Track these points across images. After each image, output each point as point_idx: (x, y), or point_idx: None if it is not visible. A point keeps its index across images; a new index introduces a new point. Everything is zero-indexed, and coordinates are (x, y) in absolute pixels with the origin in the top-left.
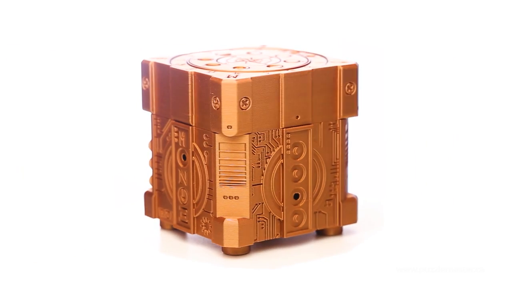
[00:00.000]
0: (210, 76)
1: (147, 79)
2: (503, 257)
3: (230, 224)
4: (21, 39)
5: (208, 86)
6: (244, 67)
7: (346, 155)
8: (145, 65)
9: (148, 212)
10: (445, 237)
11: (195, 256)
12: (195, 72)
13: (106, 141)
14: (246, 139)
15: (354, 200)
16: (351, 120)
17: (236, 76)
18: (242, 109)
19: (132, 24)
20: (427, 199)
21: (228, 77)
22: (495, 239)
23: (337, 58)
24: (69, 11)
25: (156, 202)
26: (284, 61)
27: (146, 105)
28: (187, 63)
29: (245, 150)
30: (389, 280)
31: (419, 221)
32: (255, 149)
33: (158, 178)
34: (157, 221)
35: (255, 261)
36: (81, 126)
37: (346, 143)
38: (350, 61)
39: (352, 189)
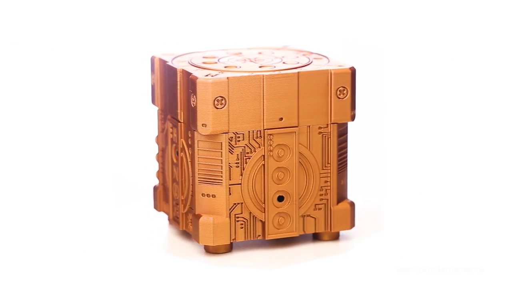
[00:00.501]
0: (191, 74)
1: (153, 75)
2: (503, 257)
3: (205, 222)
4: (29, 37)
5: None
6: (236, 66)
7: (342, 160)
8: (152, 61)
9: (155, 206)
10: (445, 237)
11: (183, 251)
12: (183, 69)
13: (117, 136)
14: (223, 138)
15: (348, 206)
16: (351, 123)
17: (215, 75)
18: (217, 108)
19: (164, 21)
20: (427, 200)
21: (206, 75)
22: (495, 239)
23: (338, 61)
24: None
25: (160, 196)
26: (283, 62)
27: (153, 100)
28: (189, 61)
29: (221, 149)
30: (389, 280)
31: (419, 221)
32: (233, 149)
33: (162, 172)
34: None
35: (255, 260)
36: (93, 121)
37: (342, 147)
38: (346, 64)
39: (352, 189)
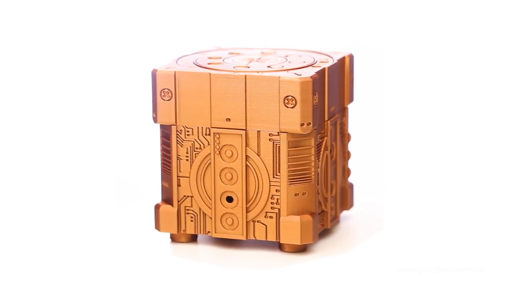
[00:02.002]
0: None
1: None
2: (503, 257)
3: (160, 210)
4: (28, 44)
5: None
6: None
7: (299, 172)
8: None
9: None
10: (445, 237)
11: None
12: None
13: (116, 139)
14: (172, 130)
15: (299, 220)
16: (353, 118)
17: (168, 68)
18: (163, 100)
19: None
20: (427, 200)
21: (166, 68)
22: (495, 239)
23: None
24: (77, 16)
25: None
26: (268, 66)
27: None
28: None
29: (169, 140)
30: (389, 280)
31: (419, 221)
32: (183, 142)
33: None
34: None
35: (254, 260)
36: (106, 129)
37: (299, 158)
38: (306, 74)
39: (354, 188)
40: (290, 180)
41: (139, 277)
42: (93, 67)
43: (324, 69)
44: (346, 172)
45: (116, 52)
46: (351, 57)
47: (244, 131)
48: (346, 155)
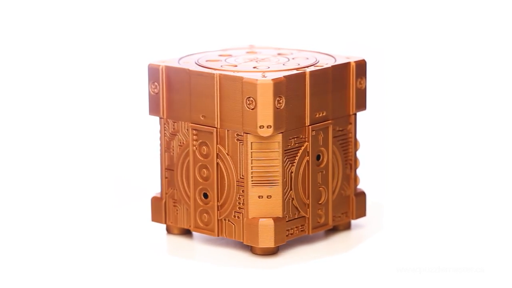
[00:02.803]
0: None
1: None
2: (503, 257)
3: (152, 201)
4: (27, 44)
5: None
6: (211, 62)
7: (265, 175)
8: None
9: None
10: (445, 237)
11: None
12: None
13: (116, 140)
14: (160, 123)
15: (257, 222)
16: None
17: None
18: (153, 93)
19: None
20: (427, 199)
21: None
22: (495, 239)
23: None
24: (75, 15)
25: None
26: (254, 67)
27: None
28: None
29: (160, 133)
30: (389, 280)
31: (419, 221)
32: (169, 135)
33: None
34: None
35: (253, 260)
36: (107, 128)
37: (265, 160)
38: (268, 77)
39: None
40: (253, 182)
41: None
42: (92, 64)
43: (304, 73)
44: (352, 180)
45: (118, 49)
46: (359, 63)
47: (216, 129)
48: (352, 163)
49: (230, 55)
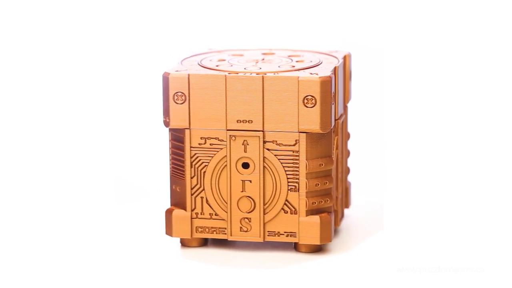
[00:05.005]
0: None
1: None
2: (503, 257)
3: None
4: (38, 49)
5: None
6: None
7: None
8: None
9: None
10: (445, 237)
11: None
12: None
13: (120, 141)
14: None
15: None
16: (353, 117)
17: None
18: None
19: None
20: (427, 200)
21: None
22: (495, 239)
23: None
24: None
25: None
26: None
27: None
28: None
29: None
30: (389, 280)
31: (419, 221)
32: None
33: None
34: None
35: (253, 260)
36: (114, 134)
37: (175, 153)
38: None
39: (353, 189)
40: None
41: (150, 284)
42: (93, 71)
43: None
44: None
45: (111, 57)
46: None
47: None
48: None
49: (224, 59)
